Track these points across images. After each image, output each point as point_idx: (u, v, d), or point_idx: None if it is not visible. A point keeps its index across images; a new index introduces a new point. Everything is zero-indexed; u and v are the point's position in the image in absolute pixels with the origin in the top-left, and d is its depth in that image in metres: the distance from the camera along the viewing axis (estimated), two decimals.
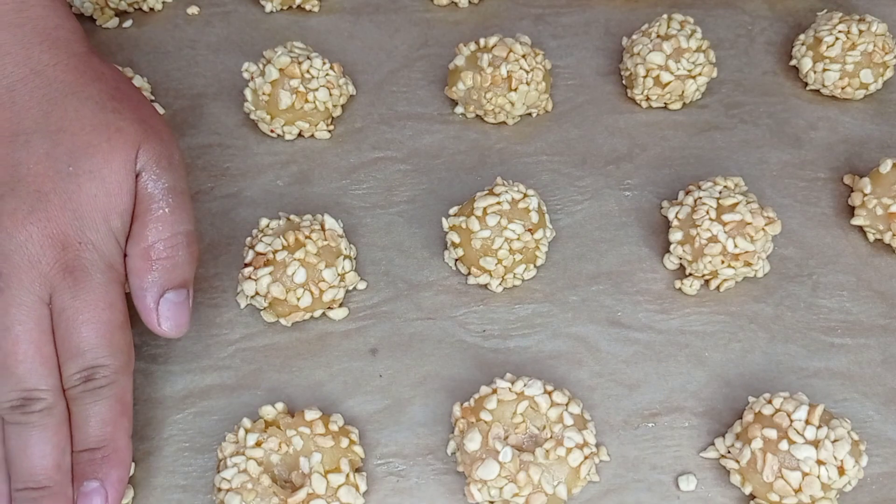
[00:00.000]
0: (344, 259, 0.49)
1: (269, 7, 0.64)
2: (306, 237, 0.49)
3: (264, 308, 0.49)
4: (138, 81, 0.58)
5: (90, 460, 0.41)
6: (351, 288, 0.51)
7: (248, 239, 0.50)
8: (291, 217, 0.51)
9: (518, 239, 0.49)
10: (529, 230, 0.49)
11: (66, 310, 0.41)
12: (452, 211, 0.51)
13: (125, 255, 0.43)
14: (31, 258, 0.40)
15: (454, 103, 0.59)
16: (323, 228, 0.50)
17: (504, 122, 0.59)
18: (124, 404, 0.42)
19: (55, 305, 0.41)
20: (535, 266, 0.51)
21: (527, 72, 0.56)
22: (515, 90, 0.56)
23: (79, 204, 0.42)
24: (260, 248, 0.49)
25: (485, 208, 0.49)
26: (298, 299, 0.48)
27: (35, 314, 0.40)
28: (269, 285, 0.48)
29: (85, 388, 0.41)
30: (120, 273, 0.43)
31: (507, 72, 0.55)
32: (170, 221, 0.44)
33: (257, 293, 0.48)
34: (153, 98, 0.59)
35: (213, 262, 0.52)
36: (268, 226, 0.50)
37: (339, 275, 0.49)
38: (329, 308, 0.50)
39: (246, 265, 0.49)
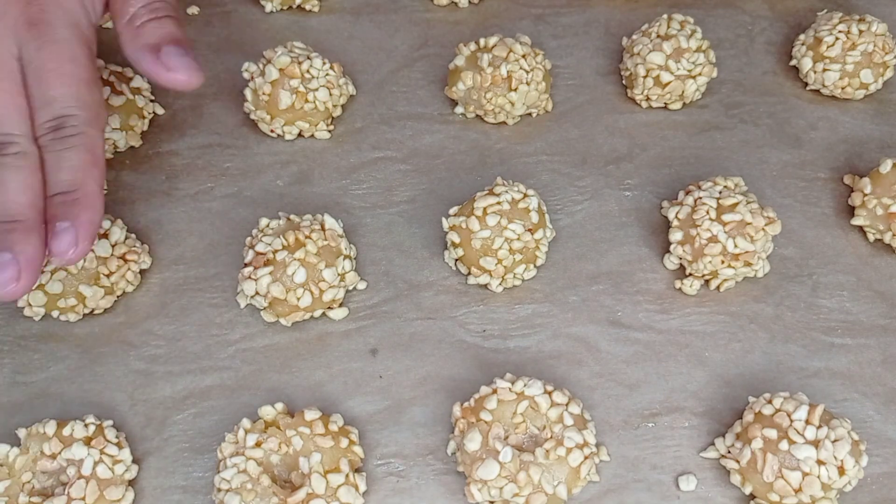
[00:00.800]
0: (344, 259, 0.49)
1: (269, 7, 0.64)
2: (306, 237, 0.49)
3: (264, 308, 0.49)
4: (138, 81, 0.58)
5: (61, 202, 0.42)
6: (351, 288, 0.51)
7: (248, 239, 0.50)
8: (291, 217, 0.51)
9: (518, 239, 0.49)
10: (529, 230, 0.49)
11: (33, 61, 0.43)
12: (452, 211, 0.51)
13: (118, 34, 0.46)
14: None
15: (454, 103, 0.59)
16: (323, 228, 0.50)
17: (504, 122, 0.59)
18: (95, 155, 0.44)
19: (24, 59, 0.43)
20: (535, 266, 0.51)
21: (527, 72, 0.56)
22: (515, 90, 0.56)
23: None
24: (260, 247, 0.49)
25: (485, 208, 0.49)
26: (298, 299, 0.48)
27: (6, 66, 0.42)
28: (269, 285, 0.48)
29: (55, 136, 0.43)
30: (86, 35, 0.45)
31: (507, 72, 0.55)
32: None
33: (257, 293, 0.48)
34: (153, 98, 0.59)
35: (213, 262, 0.52)
36: (268, 226, 0.50)
37: (339, 275, 0.49)
38: (329, 308, 0.50)
39: (246, 265, 0.49)
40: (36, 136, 0.43)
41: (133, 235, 0.52)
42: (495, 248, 0.49)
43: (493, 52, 0.56)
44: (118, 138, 0.55)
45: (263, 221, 0.50)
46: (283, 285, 0.48)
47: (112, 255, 0.50)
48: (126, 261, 0.50)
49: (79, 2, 0.45)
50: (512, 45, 0.56)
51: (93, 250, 0.49)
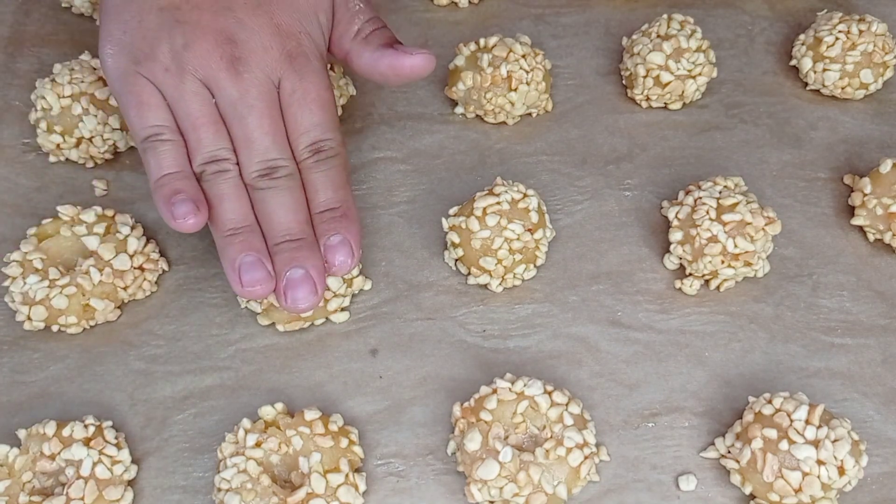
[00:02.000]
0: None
1: None
2: None
3: (260, 313, 0.49)
4: None
5: (330, 219, 0.47)
6: (357, 291, 0.51)
7: None
8: None
9: (518, 239, 0.49)
10: (529, 230, 0.49)
11: (296, 91, 0.47)
12: (452, 211, 0.51)
13: (346, 52, 0.50)
14: (264, 44, 0.46)
15: (454, 103, 0.59)
16: None
17: (504, 122, 0.59)
18: (348, 172, 0.48)
19: (284, 88, 0.47)
20: (534, 266, 0.51)
21: (527, 72, 0.56)
22: (515, 90, 0.56)
23: (296, 3, 0.48)
24: None
25: (485, 208, 0.49)
26: None
27: (270, 95, 0.46)
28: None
29: (317, 159, 0.47)
30: (326, 62, 0.50)
31: (507, 72, 0.55)
32: (366, 10, 0.51)
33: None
34: None
35: (213, 262, 0.52)
36: None
37: (344, 281, 0.49)
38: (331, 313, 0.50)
39: None
40: (297, 159, 0.47)
41: (153, 241, 0.52)
42: (495, 248, 0.49)
43: (493, 52, 0.56)
44: (118, 138, 0.55)
45: None
46: None
47: (130, 267, 0.50)
48: (143, 270, 0.50)
49: (322, 32, 0.49)
50: (512, 45, 0.56)
51: (111, 265, 0.49)
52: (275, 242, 0.45)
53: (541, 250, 0.51)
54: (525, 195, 0.50)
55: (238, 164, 0.46)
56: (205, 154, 0.46)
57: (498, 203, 0.49)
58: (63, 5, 0.64)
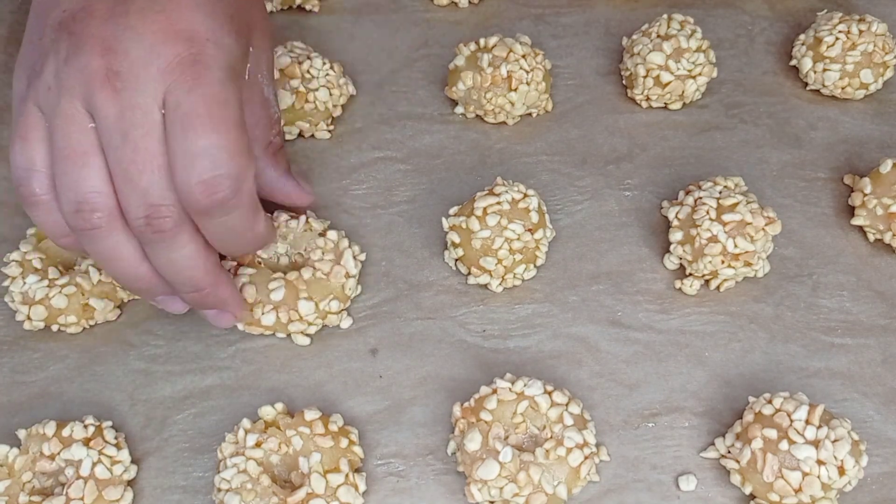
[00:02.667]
0: (332, 300, 0.48)
1: (269, 7, 0.64)
2: (307, 262, 0.48)
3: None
4: None
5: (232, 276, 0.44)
6: (353, 296, 0.50)
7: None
8: (311, 221, 0.50)
9: (518, 239, 0.49)
10: (529, 230, 0.49)
11: (180, 107, 0.37)
12: (452, 211, 0.51)
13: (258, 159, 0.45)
14: (151, 52, 0.38)
15: (454, 103, 0.59)
16: (336, 263, 0.49)
17: (504, 122, 0.59)
18: (251, 215, 0.41)
19: (168, 105, 0.37)
20: (535, 266, 0.51)
21: (527, 72, 0.56)
22: (515, 90, 0.56)
23: (212, 7, 0.39)
24: None
25: (485, 208, 0.49)
26: (263, 314, 0.47)
27: (152, 117, 0.37)
28: (244, 285, 0.47)
29: (209, 203, 0.38)
30: (241, 79, 0.41)
31: (507, 72, 0.55)
32: (279, 120, 0.49)
33: None
34: None
35: None
36: (286, 223, 0.50)
37: (318, 311, 0.48)
38: (290, 334, 0.49)
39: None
40: (185, 203, 0.39)
41: None
42: (495, 247, 0.49)
43: (493, 52, 0.56)
44: None
45: (283, 217, 0.50)
46: (256, 293, 0.47)
47: None
48: None
49: (240, 54, 0.41)
50: (512, 45, 0.56)
51: None
52: (185, 292, 0.43)
53: (541, 250, 0.51)
54: (525, 195, 0.50)
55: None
56: (70, 199, 0.38)
57: (498, 203, 0.49)
58: None
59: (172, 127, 0.38)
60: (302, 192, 0.50)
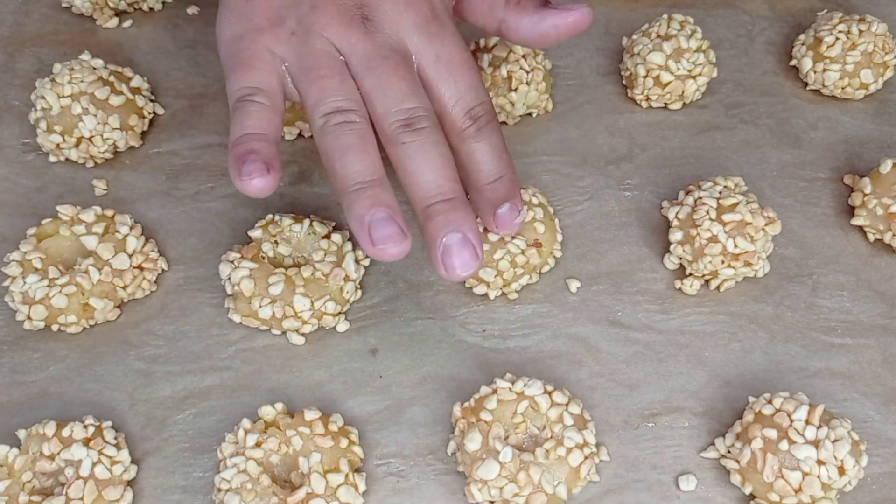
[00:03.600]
0: (328, 301, 0.48)
1: None
2: (308, 261, 0.49)
3: (229, 295, 0.49)
4: (138, 81, 0.58)
5: (499, 188, 0.45)
6: (351, 299, 0.50)
7: (260, 231, 0.50)
8: (315, 228, 0.50)
9: (522, 253, 0.49)
10: (535, 244, 0.49)
11: (440, 57, 0.44)
12: None
13: (499, 21, 0.48)
14: (397, 8, 0.44)
15: None
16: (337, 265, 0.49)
17: (504, 122, 0.59)
18: (503, 137, 0.46)
19: (426, 56, 0.44)
20: (538, 273, 0.51)
21: (527, 72, 0.56)
22: (515, 90, 0.56)
23: None
24: (255, 233, 0.49)
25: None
26: (259, 307, 0.48)
27: (405, 55, 0.44)
28: (243, 278, 0.48)
29: (477, 127, 0.44)
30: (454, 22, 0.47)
31: (508, 72, 0.55)
32: None
33: (229, 279, 0.48)
34: (153, 98, 0.59)
35: (212, 262, 0.52)
36: (290, 226, 0.50)
37: (313, 309, 0.48)
38: (285, 332, 0.49)
39: (239, 249, 0.49)
40: (454, 129, 0.44)
41: (152, 241, 0.52)
42: (496, 258, 0.49)
43: (494, 53, 0.56)
44: (118, 138, 0.55)
45: (287, 220, 0.50)
46: (255, 286, 0.47)
47: (129, 266, 0.50)
48: (142, 269, 0.50)
49: None
50: (512, 45, 0.56)
51: (109, 265, 0.49)
52: (426, 205, 0.42)
53: (549, 263, 0.51)
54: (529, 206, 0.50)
55: (369, 118, 0.43)
56: (328, 104, 0.43)
57: None
58: (63, 5, 0.64)
59: (438, 73, 0.44)
60: (565, 15, 0.46)
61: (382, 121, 0.43)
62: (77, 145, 0.55)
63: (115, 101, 0.55)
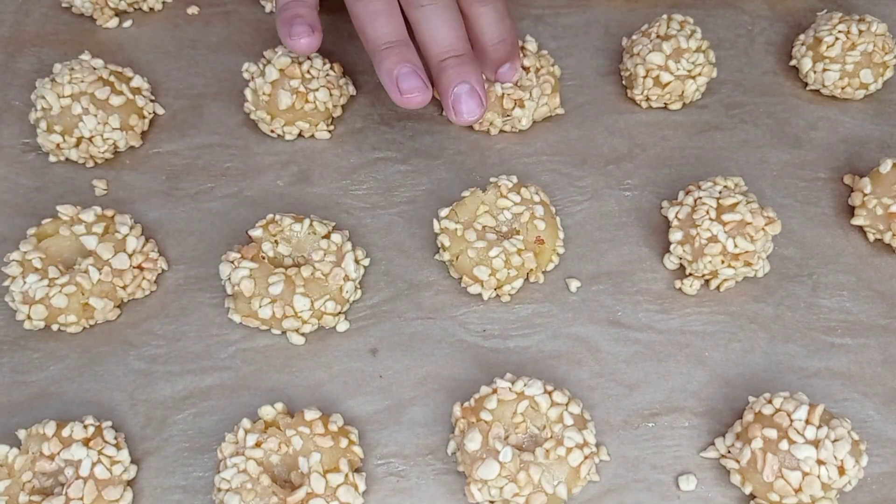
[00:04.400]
0: (328, 300, 0.48)
1: (269, 7, 0.64)
2: (308, 260, 0.49)
3: (229, 295, 0.49)
4: (138, 81, 0.58)
5: (496, 49, 0.51)
6: (350, 300, 0.50)
7: (260, 231, 0.50)
8: (315, 227, 0.50)
9: (517, 254, 0.49)
10: (538, 240, 0.49)
11: None
12: (443, 213, 0.51)
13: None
14: None
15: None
16: (336, 265, 0.49)
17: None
18: (506, 2, 0.52)
19: None
20: (542, 273, 0.51)
21: (529, 89, 0.56)
22: (523, 107, 0.56)
23: None
24: (255, 233, 0.49)
25: (484, 226, 0.50)
26: (259, 307, 0.48)
27: None
28: (243, 278, 0.48)
29: None
30: None
31: (505, 94, 0.56)
32: None
33: (229, 279, 0.48)
34: (153, 98, 0.59)
35: (212, 262, 0.52)
36: (290, 226, 0.50)
37: (313, 309, 0.48)
38: (285, 332, 0.49)
39: (239, 249, 0.49)
40: None
41: (152, 241, 0.52)
42: (491, 255, 0.49)
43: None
44: (118, 138, 0.55)
45: (287, 220, 0.50)
46: (255, 286, 0.47)
47: (129, 266, 0.50)
48: (142, 269, 0.50)
49: None
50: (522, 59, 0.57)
51: (109, 264, 0.49)
52: (440, 59, 0.49)
53: (549, 266, 0.51)
54: (528, 203, 0.50)
55: None
56: None
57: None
58: (63, 5, 0.64)
59: None
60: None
61: None
62: (77, 145, 0.55)
63: (116, 101, 0.55)
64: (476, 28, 0.51)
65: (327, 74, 0.56)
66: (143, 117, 0.57)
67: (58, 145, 0.55)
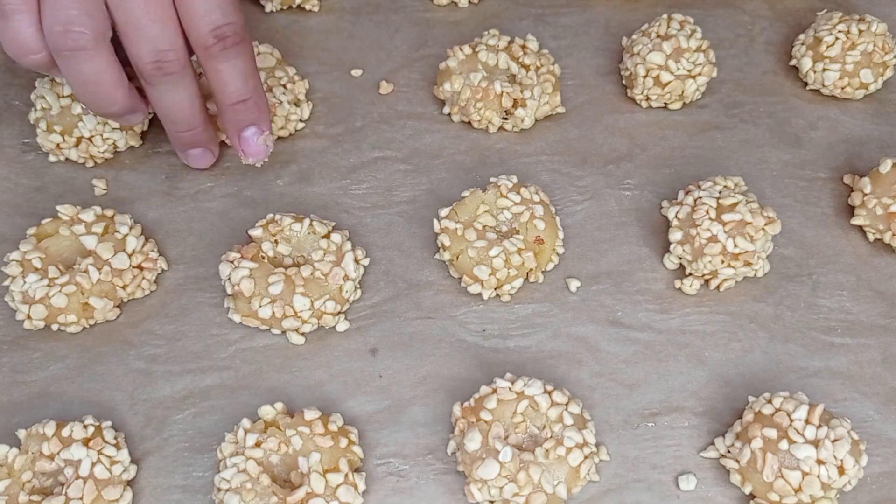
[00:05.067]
0: (327, 300, 0.48)
1: (269, 7, 0.64)
2: (308, 262, 0.49)
3: (229, 295, 0.49)
4: (137, 82, 0.58)
5: (242, 110, 0.47)
6: (350, 300, 0.50)
7: (260, 230, 0.50)
8: (315, 227, 0.50)
9: (518, 253, 0.49)
10: (537, 241, 0.49)
11: None
12: (443, 213, 0.51)
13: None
14: None
15: (443, 103, 0.59)
16: (336, 264, 0.49)
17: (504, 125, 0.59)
18: (254, 60, 0.47)
19: None
20: (542, 272, 0.51)
21: (531, 88, 0.56)
22: (524, 107, 0.56)
23: None
24: (255, 233, 0.49)
25: (485, 226, 0.50)
26: (260, 307, 0.48)
27: None
28: (243, 278, 0.48)
29: (222, 46, 0.45)
30: None
31: (505, 92, 0.56)
32: None
33: (229, 279, 0.48)
34: None
35: (213, 262, 0.52)
36: (290, 226, 0.50)
37: (313, 308, 0.48)
38: (285, 331, 0.49)
39: (239, 249, 0.49)
40: (197, 46, 0.45)
41: (152, 240, 0.52)
42: (492, 255, 0.49)
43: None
44: (118, 138, 0.55)
45: (287, 220, 0.50)
46: (255, 286, 0.47)
47: (129, 266, 0.50)
48: (142, 269, 0.50)
49: None
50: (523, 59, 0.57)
51: (109, 264, 0.49)
52: (177, 131, 0.49)
53: (549, 266, 0.51)
54: (527, 203, 0.50)
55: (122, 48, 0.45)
56: (58, 19, 0.42)
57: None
58: None
59: None
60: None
61: (137, 59, 0.44)
62: (77, 145, 0.55)
63: None
64: (214, 86, 0.47)
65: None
66: None
67: (57, 145, 0.55)
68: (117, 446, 0.44)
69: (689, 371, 0.48)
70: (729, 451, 0.45)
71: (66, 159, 0.56)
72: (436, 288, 0.51)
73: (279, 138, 0.57)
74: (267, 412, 0.45)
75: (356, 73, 0.61)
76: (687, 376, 0.48)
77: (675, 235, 0.51)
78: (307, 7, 0.64)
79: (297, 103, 0.57)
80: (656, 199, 0.55)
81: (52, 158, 0.56)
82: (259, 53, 0.57)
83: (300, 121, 0.58)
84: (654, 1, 0.66)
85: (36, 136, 0.55)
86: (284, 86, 0.57)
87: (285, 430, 0.43)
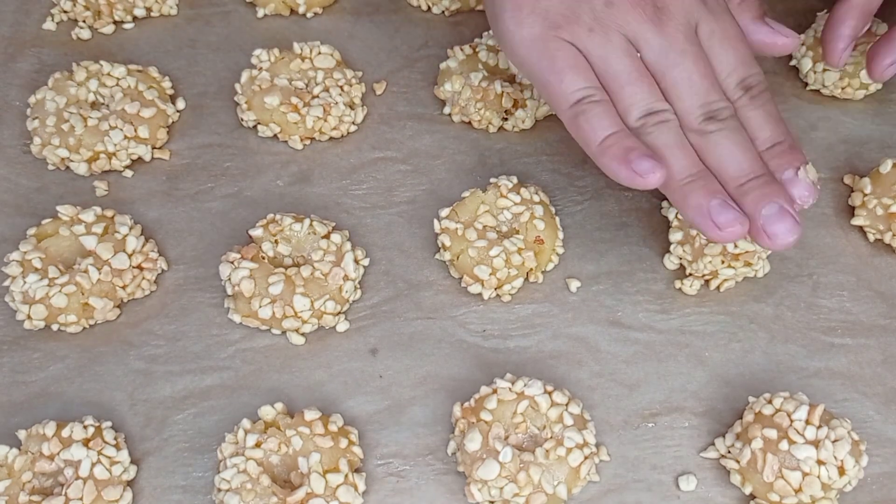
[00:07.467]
0: (327, 300, 0.48)
1: (261, 12, 0.63)
2: (308, 262, 0.49)
3: (229, 295, 0.49)
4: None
5: (778, 153, 0.46)
6: (350, 300, 0.51)
7: (260, 230, 0.50)
8: (315, 227, 0.50)
9: (518, 252, 0.49)
10: (537, 241, 0.49)
11: (715, 32, 0.46)
12: (444, 213, 0.51)
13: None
14: None
15: (443, 103, 0.59)
16: (336, 264, 0.49)
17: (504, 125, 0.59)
18: (777, 107, 0.48)
19: (702, 31, 0.46)
20: (542, 272, 0.51)
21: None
22: (524, 107, 0.56)
23: None
24: (255, 233, 0.49)
25: (485, 226, 0.50)
26: (260, 307, 0.48)
27: (695, 39, 0.46)
28: (243, 278, 0.47)
29: (750, 96, 0.46)
30: None
31: (504, 92, 0.56)
32: None
33: (229, 279, 0.48)
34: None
35: (212, 262, 0.52)
36: (290, 226, 0.50)
37: (312, 309, 0.48)
38: (285, 332, 0.49)
39: (239, 249, 0.49)
40: (729, 99, 0.46)
41: (152, 241, 0.52)
42: (492, 254, 0.49)
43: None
44: (143, 153, 0.55)
45: (287, 220, 0.50)
46: (255, 286, 0.47)
47: (129, 266, 0.49)
48: (142, 269, 0.50)
49: None
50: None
51: (109, 264, 0.49)
52: (738, 184, 0.44)
53: (548, 266, 0.51)
54: (527, 203, 0.50)
55: (675, 113, 0.45)
56: (642, 107, 0.45)
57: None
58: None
59: (711, 48, 0.46)
60: (777, 36, 0.50)
61: (686, 115, 0.45)
62: (94, 160, 0.55)
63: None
64: (750, 135, 0.47)
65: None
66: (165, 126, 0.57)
67: (63, 159, 0.55)
68: (117, 447, 0.44)
69: (689, 371, 0.48)
70: (729, 452, 0.45)
71: (68, 168, 0.56)
72: (436, 288, 0.51)
73: (330, 139, 0.57)
74: (267, 412, 0.45)
75: (356, 73, 0.61)
76: (687, 376, 0.48)
77: (675, 236, 0.51)
78: (307, 15, 0.64)
79: (352, 106, 0.57)
80: (656, 199, 0.55)
81: (51, 168, 0.56)
82: (319, 54, 0.58)
83: (353, 123, 0.57)
84: None
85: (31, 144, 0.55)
86: (342, 87, 0.57)
87: (285, 431, 0.43)
